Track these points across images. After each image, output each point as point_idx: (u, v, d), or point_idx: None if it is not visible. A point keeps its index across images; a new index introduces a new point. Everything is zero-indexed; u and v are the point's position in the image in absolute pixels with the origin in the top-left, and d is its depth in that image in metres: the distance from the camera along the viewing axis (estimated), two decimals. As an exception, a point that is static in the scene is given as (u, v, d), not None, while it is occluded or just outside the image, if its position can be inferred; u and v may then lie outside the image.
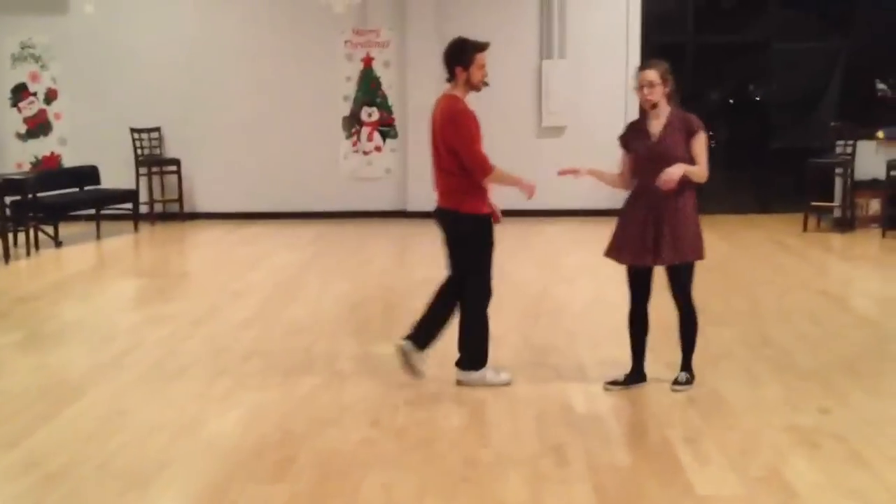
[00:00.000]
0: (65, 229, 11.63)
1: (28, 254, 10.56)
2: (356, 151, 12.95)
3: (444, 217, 5.69)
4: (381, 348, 6.47)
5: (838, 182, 11.29)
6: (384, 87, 12.88)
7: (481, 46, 5.52)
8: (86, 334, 7.20)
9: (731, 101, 14.02)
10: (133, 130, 12.79)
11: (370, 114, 12.91)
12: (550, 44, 12.68)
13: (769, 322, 7.06)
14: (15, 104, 13.21)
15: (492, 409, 5.32)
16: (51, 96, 13.17)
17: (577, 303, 7.87)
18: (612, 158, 13.10)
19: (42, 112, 13.21)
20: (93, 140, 12.98)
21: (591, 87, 12.57)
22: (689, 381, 5.55)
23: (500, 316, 7.33)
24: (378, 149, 12.90)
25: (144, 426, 5.14)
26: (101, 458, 4.69)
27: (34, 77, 13.15)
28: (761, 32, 12.86)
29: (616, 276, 9.17)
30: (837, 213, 11.33)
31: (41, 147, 13.27)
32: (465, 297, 5.65)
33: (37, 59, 13.10)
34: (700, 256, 5.44)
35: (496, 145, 12.71)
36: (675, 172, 5.22)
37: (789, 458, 4.49)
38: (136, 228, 12.28)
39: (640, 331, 5.68)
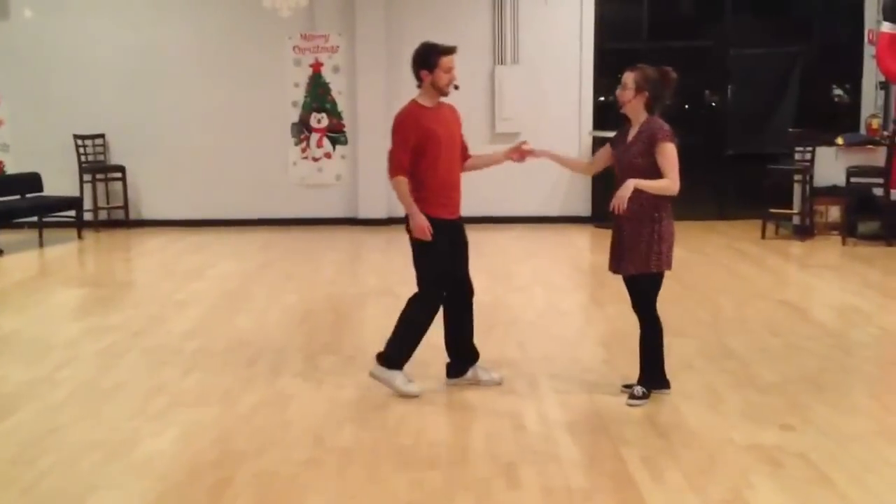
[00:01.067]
0: (6, 237, 11.28)
1: (-35, 263, 10.20)
2: (305, 158, 12.69)
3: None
4: (327, 362, 6.25)
5: (797, 189, 11.24)
6: (333, 92, 12.63)
7: (447, 50, 5.47)
8: (20, 348, 6.89)
9: (686, 107, 13.93)
10: (76, 137, 12.42)
11: (319, 120, 12.66)
12: (503, 49, 12.52)
13: (729, 333, 6.92)
14: (-47, 109, 12.78)
15: (440, 427, 5.11)
16: (-10, 101, 12.77)
17: (530, 313, 7.68)
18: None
19: (-19, 117, 12.80)
20: (35, 147, 12.59)
21: (544, 93, 12.43)
22: (645, 396, 5.39)
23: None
24: (328, 155, 12.66)
25: (75, 446, 4.87)
26: (27, 481, 4.44)
27: (-27, 82, 12.73)
28: (717, 39, 12.80)
29: (567, 285, 9.12)
30: (796, 221, 11.27)
31: (-19, 153, 12.86)
32: (412, 299, 5.60)
33: (-25, 64, 12.68)
34: (647, 269, 5.29)
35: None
36: (622, 195, 5.12)
37: (751, 478, 4.33)
38: (80, 236, 11.93)
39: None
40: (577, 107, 12.51)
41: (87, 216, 12.32)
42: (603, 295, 8.32)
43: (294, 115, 12.63)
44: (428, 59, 5.44)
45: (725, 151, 12.73)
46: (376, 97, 12.42)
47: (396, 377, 5.55)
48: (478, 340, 6.69)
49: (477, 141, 12.35)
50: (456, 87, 5.52)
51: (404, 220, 5.61)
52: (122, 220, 12.68)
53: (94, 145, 12.55)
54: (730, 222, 12.37)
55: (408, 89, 13.17)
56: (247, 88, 12.48)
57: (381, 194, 12.50)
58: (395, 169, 5.45)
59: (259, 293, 8.56)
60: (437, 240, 5.46)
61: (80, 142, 12.44)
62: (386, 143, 12.87)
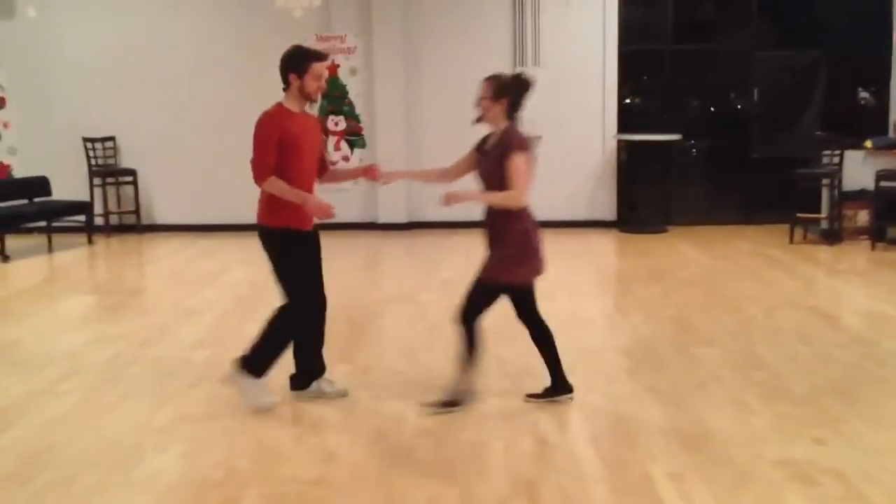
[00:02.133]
0: (13, 243, 11.10)
1: (-27, 269, 10.02)
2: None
3: (260, 235, 5.39)
4: (342, 373, 6.00)
5: (825, 193, 10.92)
6: (351, 95, 12.40)
7: (320, 56, 5.25)
8: (21, 358, 6.66)
9: (711, 109, 13.64)
10: (86, 140, 12.24)
11: (337, 123, 12.43)
12: (524, 51, 12.26)
13: (757, 342, 6.61)
14: (-38, 113, 12.64)
15: (457, 441, 4.84)
16: (-1, 104, 12.62)
17: (553, 321, 7.34)
18: (591, 168, 12.84)
19: (-10, 121, 12.65)
20: (44, 150, 12.43)
21: (566, 97, 12.16)
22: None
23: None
24: (346, 159, 12.41)
25: (75, 462, 4.64)
26: (22, 501, 4.21)
27: (-19, 84, 12.58)
28: (742, 41, 12.50)
29: (591, 292, 8.84)
30: (825, 225, 10.94)
31: (-10, 157, 12.71)
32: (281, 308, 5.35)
33: (-17, 65, 12.53)
34: (492, 279, 5.16)
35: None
36: (451, 195, 5.12)
37: (783, 496, 4.06)
38: (90, 241, 11.73)
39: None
40: (601, 110, 12.21)
41: (98, 221, 12.13)
42: (627, 302, 8.05)
43: (310, 118, 12.40)
44: (299, 62, 5.19)
45: (751, 155, 12.40)
46: (395, 99, 12.18)
47: (252, 386, 5.34)
48: (501, 349, 6.45)
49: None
50: (323, 96, 5.31)
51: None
52: (134, 225, 12.48)
53: (104, 148, 12.36)
54: (756, 227, 12.06)
55: (428, 90, 13.05)
56: (261, 90, 12.12)
57: (401, 199, 12.27)
58: (262, 172, 5.15)
59: (271, 300, 8.24)
60: (296, 251, 5.27)
61: (89, 145, 12.26)
62: (405, 145, 12.75)
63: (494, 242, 5.18)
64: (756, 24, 12.45)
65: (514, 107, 5.16)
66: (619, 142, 12.19)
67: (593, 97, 12.23)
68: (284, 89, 5.27)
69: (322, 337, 5.58)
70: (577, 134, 12.19)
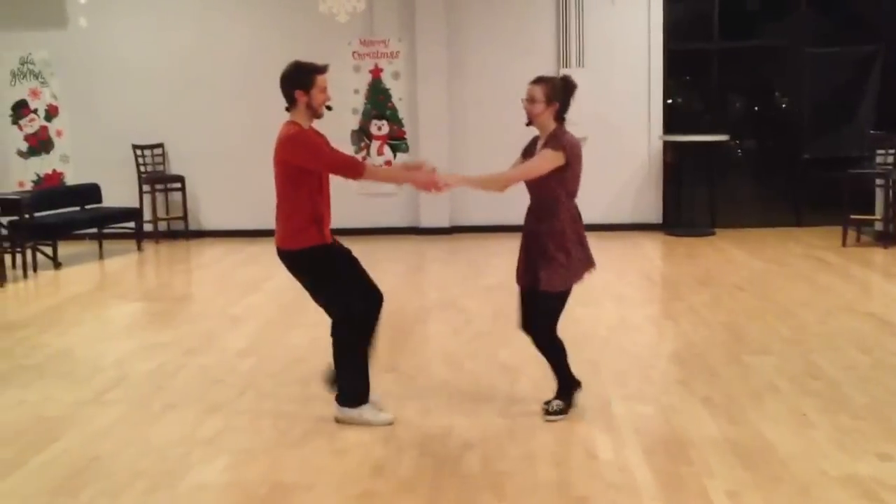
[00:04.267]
0: (66, 249, 11.20)
1: (25, 276, 10.12)
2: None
3: (284, 260, 5.23)
4: (387, 382, 5.94)
5: (880, 193, 10.67)
6: (394, 99, 12.36)
7: (321, 69, 5.14)
8: (71, 366, 6.69)
9: (755, 108, 13.43)
10: (135, 147, 12.33)
11: (380, 127, 12.39)
12: (569, 52, 12.14)
13: (813, 349, 6.44)
14: (16, 121, 12.79)
15: (506, 455, 4.75)
16: (52, 113, 12.75)
17: (600, 328, 7.28)
18: (636, 169, 12.69)
19: (43, 129, 12.79)
20: (95, 157, 12.55)
21: (611, 97, 12.01)
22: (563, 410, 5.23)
23: (517, 344, 6.81)
24: (388, 163, 12.37)
25: (122, 474, 4.63)
26: (70, 514, 4.19)
27: (34, 93, 12.72)
28: (790, 37, 12.26)
29: (639, 298, 8.70)
30: (879, 227, 10.69)
31: (43, 165, 12.85)
32: (333, 328, 5.26)
33: (37, 75, 12.67)
34: (551, 287, 5.07)
35: (511, 157, 12.30)
36: (441, 181, 5.18)
37: (849, 516, 3.92)
38: (139, 248, 11.82)
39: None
40: (647, 110, 12.05)
41: (147, 227, 12.22)
42: (676, 308, 7.90)
43: (354, 123, 12.38)
44: (304, 78, 5.08)
45: (801, 155, 12.16)
46: (438, 103, 12.13)
47: (364, 412, 5.24)
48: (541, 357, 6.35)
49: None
50: (329, 108, 5.21)
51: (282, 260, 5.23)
52: (181, 231, 12.55)
53: (152, 155, 12.45)
54: (807, 229, 11.82)
55: (471, 93, 12.93)
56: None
57: (444, 203, 12.20)
58: (354, 165, 5.13)
59: (315, 307, 8.26)
60: (323, 266, 5.17)
61: (138, 152, 12.35)
62: (448, 149, 12.67)
63: (541, 246, 5.11)
64: (805, 19, 12.19)
65: (563, 110, 5.11)
66: (665, 143, 12.03)
67: (638, 98, 12.08)
68: (288, 108, 5.17)
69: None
70: (621, 135, 12.05)
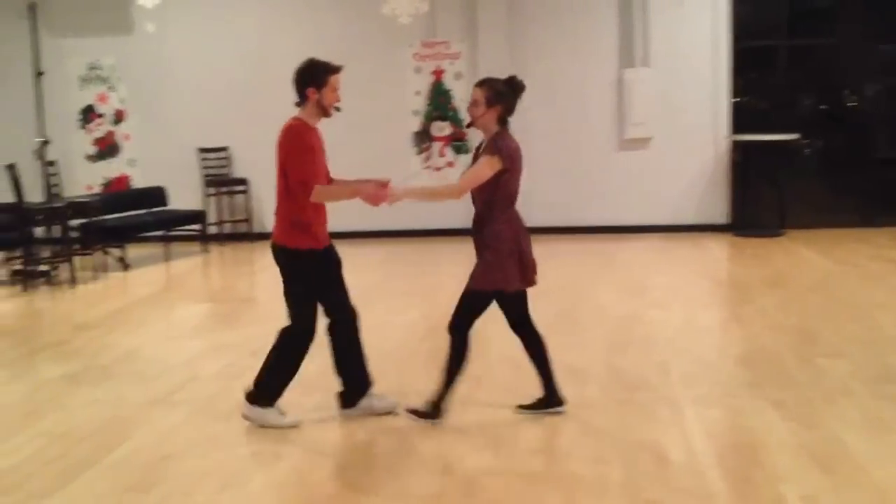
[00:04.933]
0: (133, 251, 11.39)
1: (95, 278, 10.29)
2: (427, 167, 12.44)
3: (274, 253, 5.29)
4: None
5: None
6: (455, 100, 12.35)
7: (335, 69, 5.15)
8: (141, 366, 6.79)
9: (825, 107, 13.16)
10: (200, 150, 12.49)
11: (441, 128, 12.39)
12: (632, 52, 12.01)
13: (889, 352, 6.28)
14: (84, 126, 13.03)
15: (573, 455, 4.70)
16: (119, 117, 12.96)
17: (668, 330, 7.18)
18: (703, 169, 12.49)
19: (110, 133, 13.01)
20: (161, 161, 12.73)
21: (677, 97, 11.86)
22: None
23: (583, 344, 6.78)
24: (450, 164, 12.36)
25: (190, 475, 4.67)
26: (142, 512, 4.24)
27: (102, 98, 12.95)
28: (861, 34, 12.00)
29: (706, 300, 8.57)
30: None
31: (110, 168, 13.07)
32: (283, 331, 5.30)
33: (104, 80, 12.90)
34: (479, 285, 5.11)
35: (574, 158, 12.28)
36: (391, 194, 5.07)
37: (932, 523, 3.80)
38: (204, 250, 11.96)
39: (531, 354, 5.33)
40: (713, 110, 11.87)
41: (211, 229, 12.36)
42: (745, 310, 7.76)
43: (415, 124, 12.40)
44: (317, 76, 5.10)
45: (871, 154, 11.89)
46: (500, 104, 12.07)
47: (268, 413, 5.28)
48: (612, 359, 6.30)
49: (605, 148, 12.07)
50: (338, 109, 5.21)
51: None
52: (245, 233, 12.67)
53: (217, 158, 12.60)
54: (878, 230, 11.54)
55: (533, 94, 12.81)
56: (367, 98, 12.29)
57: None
58: (310, 187, 5.03)
59: (378, 309, 8.28)
60: (308, 275, 5.19)
61: (203, 155, 12.50)
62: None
63: (482, 249, 5.11)
64: (877, 16, 11.92)
65: (506, 113, 5.07)
66: (733, 142, 11.85)
67: (704, 97, 11.91)
68: (298, 104, 5.19)
69: (361, 350, 5.46)
70: (687, 135, 11.90)
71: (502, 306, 5.27)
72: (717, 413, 5.25)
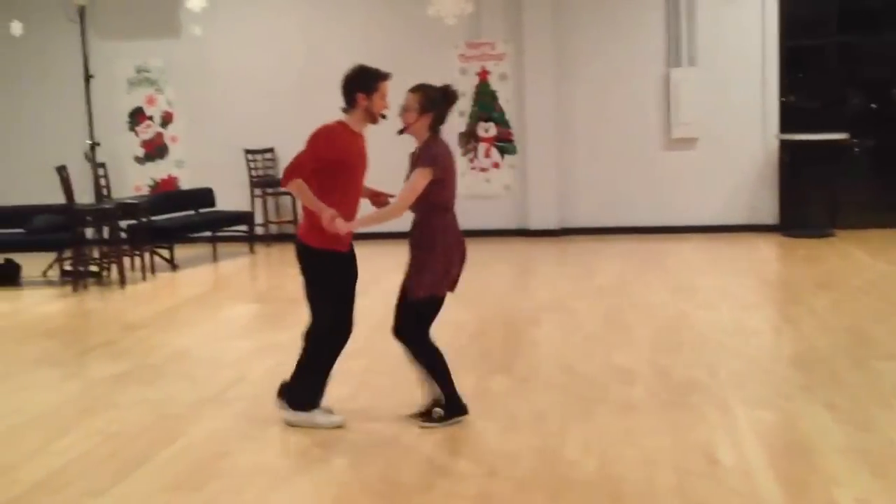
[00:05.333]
0: (181, 252, 11.48)
1: (144, 278, 10.41)
2: (473, 168, 12.43)
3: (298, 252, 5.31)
4: (500, 384, 5.91)
5: None
6: (501, 101, 12.32)
7: (385, 76, 5.18)
8: (191, 365, 6.86)
9: (872, 106, 12.94)
10: (247, 152, 12.59)
11: (487, 129, 12.37)
12: (679, 51, 11.92)
13: (944, 355, 6.19)
14: (132, 128, 13.19)
15: (624, 458, 4.67)
16: (166, 119, 13.11)
17: (717, 331, 7.11)
18: (751, 169, 12.34)
19: (159, 135, 13.15)
20: (208, 162, 12.84)
21: (725, 96, 11.74)
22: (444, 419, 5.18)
23: (631, 346, 6.74)
24: (496, 165, 12.35)
25: (240, 473, 4.71)
26: (194, 509, 4.28)
27: (150, 100, 13.10)
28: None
29: (756, 301, 8.48)
30: None
31: (158, 170, 13.22)
32: (307, 334, 5.36)
33: (152, 82, 13.05)
34: (413, 294, 5.05)
35: (620, 159, 12.21)
36: (339, 227, 4.96)
37: None
38: (251, 250, 12.05)
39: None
40: (762, 109, 11.72)
41: (258, 230, 12.44)
42: (796, 312, 7.64)
43: (461, 125, 12.39)
44: (368, 82, 5.14)
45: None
46: (545, 104, 12.05)
47: (316, 416, 5.30)
48: (661, 361, 6.26)
49: (652, 148, 11.99)
50: (384, 117, 5.21)
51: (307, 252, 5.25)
52: (291, 234, 12.70)
53: (263, 159, 12.69)
54: (931, 230, 11.36)
55: (579, 94, 12.78)
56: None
57: (552, 204, 12.12)
58: (294, 173, 5.10)
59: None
60: (330, 275, 5.20)
61: (250, 156, 12.60)
62: (556, 150, 12.58)
63: (412, 253, 5.14)
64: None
65: (438, 120, 5.10)
66: (781, 142, 11.70)
67: (752, 96, 11.76)
68: (345, 109, 5.22)
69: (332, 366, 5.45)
70: (735, 135, 11.77)
71: (408, 311, 5.22)
72: (769, 415, 5.19)
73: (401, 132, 5.19)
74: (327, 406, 5.41)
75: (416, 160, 5.06)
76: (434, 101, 5.06)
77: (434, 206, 5.06)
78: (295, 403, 5.33)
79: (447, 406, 5.21)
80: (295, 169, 5.13)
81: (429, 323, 5.22)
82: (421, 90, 5.09)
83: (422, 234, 5.09)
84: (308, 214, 5.22)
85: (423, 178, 4.97)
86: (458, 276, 5.27)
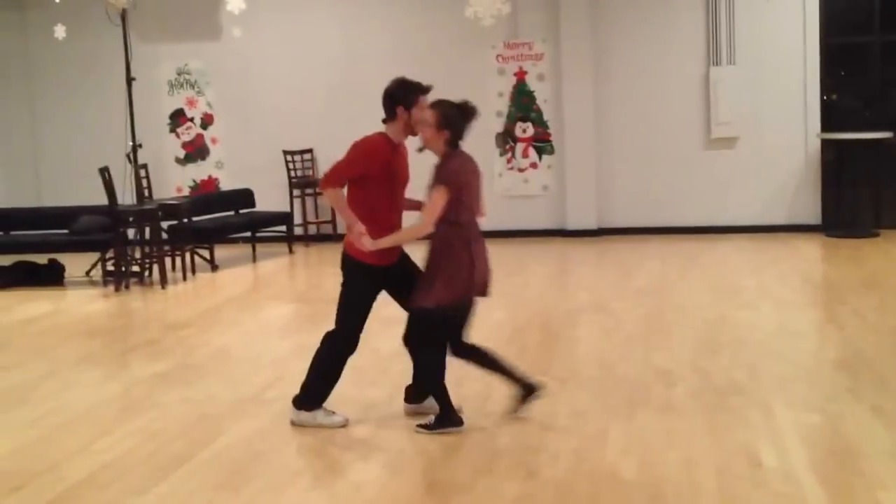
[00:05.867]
0: (221, 252, 11.57)
1: (184, 278, 10.51)
2: (511, 169, 12.41)
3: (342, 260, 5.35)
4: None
5: None
6: (538, 101, 12.28)
7: (425, 89, 5.21)
8: (231, 365, 6.91)
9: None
10: (286, 153, 12.66)
11: (525, 129, 12.34)
12: (718, 49, 11.82)
13: None
14: (173, 129, 13.32)
15: (665, 460, 4.63)
16: (207, 121, 13.22)
17: (759, 333, 7.03)
18: (793, 169, 12.22)
19: (199, 137, 13.27)
20: (248, 163, 12.95)
21: (765, 95, 11.63)
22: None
23: (672, 347, 6.69)
24: (534, 165, 12.32)
25: (281, 471, 4.73)
26: (234, 509, 4.30)
27: (191, 102, 13.23)
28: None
29: (799, 302, 8.38)
30: None
31: (199, 171, 13.34)
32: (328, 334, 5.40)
33: (192, 84, 13.18)
34: (422, 302, 5.05)
35: (659, 159, 12.13)
36: (361, 243, 5.03)
37: None
38: (290, 251, 12.12)
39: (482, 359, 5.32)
40: (803, 108, 11.59)
41: (297, 230, 12.51)
42: (841, 313, 7.53)
43: (498, 126, 12.38)
44: (409, 95, 5.17)
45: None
46: (583, 104, 12.00)
47: (318, 415, 5.35)
48: (702, 362, 6.21)
49: (691, 148, 11.90)
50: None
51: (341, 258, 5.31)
52: (330, 235, 12.79)
53: (302, 160, 12.75)
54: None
55: (617, 94, 12.72)
56: (452, 99, 12.30)
57: (591, 204, 12.07)
58: (335, 180, 5.15)
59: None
60: (367, 286, 5.24)
61: (289, 157, 12.67)
62: (594, 150, 12.53)
63: (427, 264, 5.13)
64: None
65: (455, 137, 5.09)
66: (823, 141, 11.56)
67: (793, 94, 11.64)
68: (385, 121, 5.23)
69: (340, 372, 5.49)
70: (776, 134, 11.65)
71: (416, 322, 5.28)
72: (813, 418, 5.12)
73: (420, 149, 5.24)
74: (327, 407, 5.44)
75: (435, 178, 5.06)
76: (450, 118, 5.08)
77: (453, 220, 5.06)
78: (299, 402, 5.39)
79: (438, 417, 5.23)
80: (332, 176, 5.17)
81: (442, 333, 5.21)
82: (438, 106, 5.11)
83: (441, 244, 5.09)
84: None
85: (440, 197, 5.00)
86: (485, 282, 5.27)
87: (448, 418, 5.20)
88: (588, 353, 6.75)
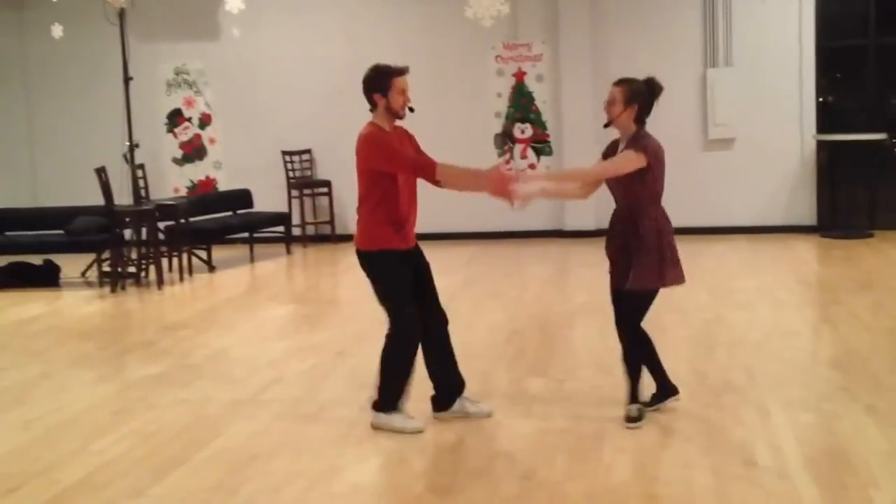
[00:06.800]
0: (219, 253, 11.57)
1: (181, 279, 10.51)
2: (510, 169, 12.39)
3: (359, 260, 5.28)
4: (535, 386, 5.90)
5: None
6: (537, 102, 12.31)
7: (398, 71, 5.16)
8: (227, 366, 6.91)
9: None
10: (284, 153, 12.67)
11: (523, 130, 12.37)
12: (715, 51, 11.85)
13: None
14: (171, 129, 13.33)
15: (660, 461, 4.65)
16: (205, 121, 13.24)
17: (755, 333, 7.05)
18: (789, 170, 12.24)
19: (197, 137, 13.29)
20: (246, 163, 12.96)
21: (761, 96, 11.66)
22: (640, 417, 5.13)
23: (668, 347, 6.67)
24: (532, 166, 12.34)
25: (278, 474, 4.73)
26: (230, 511, 4.31)
27: (189, 103, 13.24)
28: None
29: (795, 302, 8.40)
30: None
31: (197, 171, 13.35)
32: (388, 337, 5.26)
33: (191, 84, 13.19)
34: (644, 286, 5.00)
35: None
36: (521, 194, 5.07)
37: None
38: (288, 251, 12.13)
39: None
40: (799, 109, 11.62)
41: (295, 231, 12.51)
42: (835, 313, 7.57)
43: (497, 126, 12.40)
44: (380, 82, 5.15)
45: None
46: (582, 105, 12.01)
47: (394, 419, 5.24)
48: (698, 362, 6.22)
49: (688, 149, 11.90)
50: (411, 110, 5.19)
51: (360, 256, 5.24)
52: (328, 235, 12.81)
53: (300, 161, 12.76)
54: None
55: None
56: (449, 100, 12.35)
57: (589, 205, 11.98)
58: (426, 167, 5.04)
59: (463, 310, 8.29)
60: (394, 274, 5.14)
61: (287, 158, 12.68)
62: (593, 151, 12.49)
63: (637, 246, 5.00)
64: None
65: (644, 112, 5.05)
66: (819, 142, 11.59)
67: (789, 96, 11.67)
68: (371, 110, 5.24)
69: (451, 352, 5.41)
70: (772, 135, 11.68)
71: (627, 303, 5.19)
72: (808, 418, 5.14)
73: (606, 125, 5.16)
74: (407, 410, 5.38)
75: (627, 146, 5.01)
76: (638, 93, 5.04)
77: (646, 197, 5.02)
78: (376, 404, 5.33)
79: (658, 392, 5.28)
80: (420, 164, 5.09)
81: (644, 315, 5.20)
82: (625, 83, 5.08)
83: (636, 228, 5.02)
84: (361, 220, 5.24)
85: (632, 161, 4.93)
86: (679, 266, 5.18)
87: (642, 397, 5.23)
88: (585, 354, 6.77)
